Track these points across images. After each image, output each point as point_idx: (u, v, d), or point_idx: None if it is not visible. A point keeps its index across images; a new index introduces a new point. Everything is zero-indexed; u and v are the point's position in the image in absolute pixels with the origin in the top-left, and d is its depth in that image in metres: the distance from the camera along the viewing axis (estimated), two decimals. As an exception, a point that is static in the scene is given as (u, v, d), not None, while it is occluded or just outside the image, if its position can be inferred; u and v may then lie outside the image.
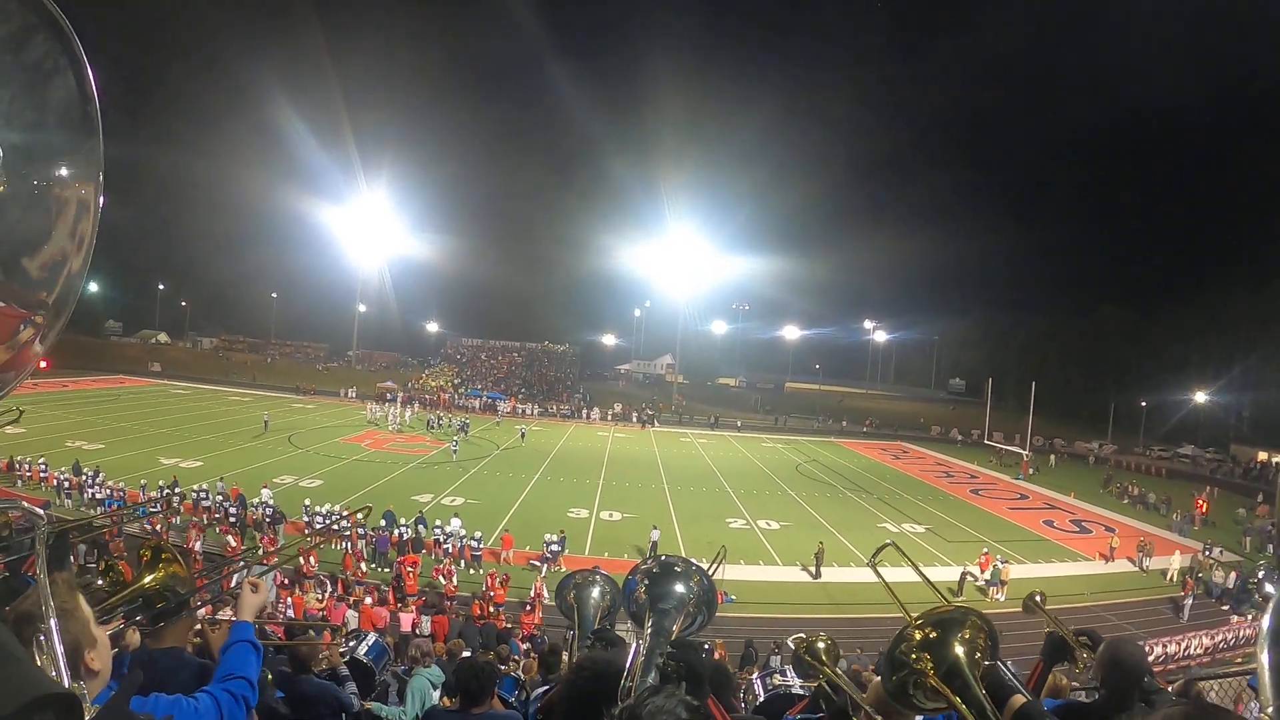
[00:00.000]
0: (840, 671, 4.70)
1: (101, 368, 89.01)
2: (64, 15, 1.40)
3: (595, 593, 4.90)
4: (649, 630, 3.64)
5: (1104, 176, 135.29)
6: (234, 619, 3.68)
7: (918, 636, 3.07)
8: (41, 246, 1.46)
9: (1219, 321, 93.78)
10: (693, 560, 4.18)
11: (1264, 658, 1.42)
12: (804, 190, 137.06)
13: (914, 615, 3.15)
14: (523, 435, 68.26)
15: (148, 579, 3.98)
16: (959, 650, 2.97)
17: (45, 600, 1.94)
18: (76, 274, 1.52)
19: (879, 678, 3.63)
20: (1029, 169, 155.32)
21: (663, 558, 4.19)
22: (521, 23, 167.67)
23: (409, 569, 28.62)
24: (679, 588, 3.92)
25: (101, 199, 1.52)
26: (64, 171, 1.47)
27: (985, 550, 34.67)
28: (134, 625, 4.02)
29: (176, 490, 35.36)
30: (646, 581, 4.02)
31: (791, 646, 5.34)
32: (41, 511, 2.35)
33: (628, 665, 3.10)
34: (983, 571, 32.82)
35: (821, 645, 4.96)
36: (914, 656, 3.04)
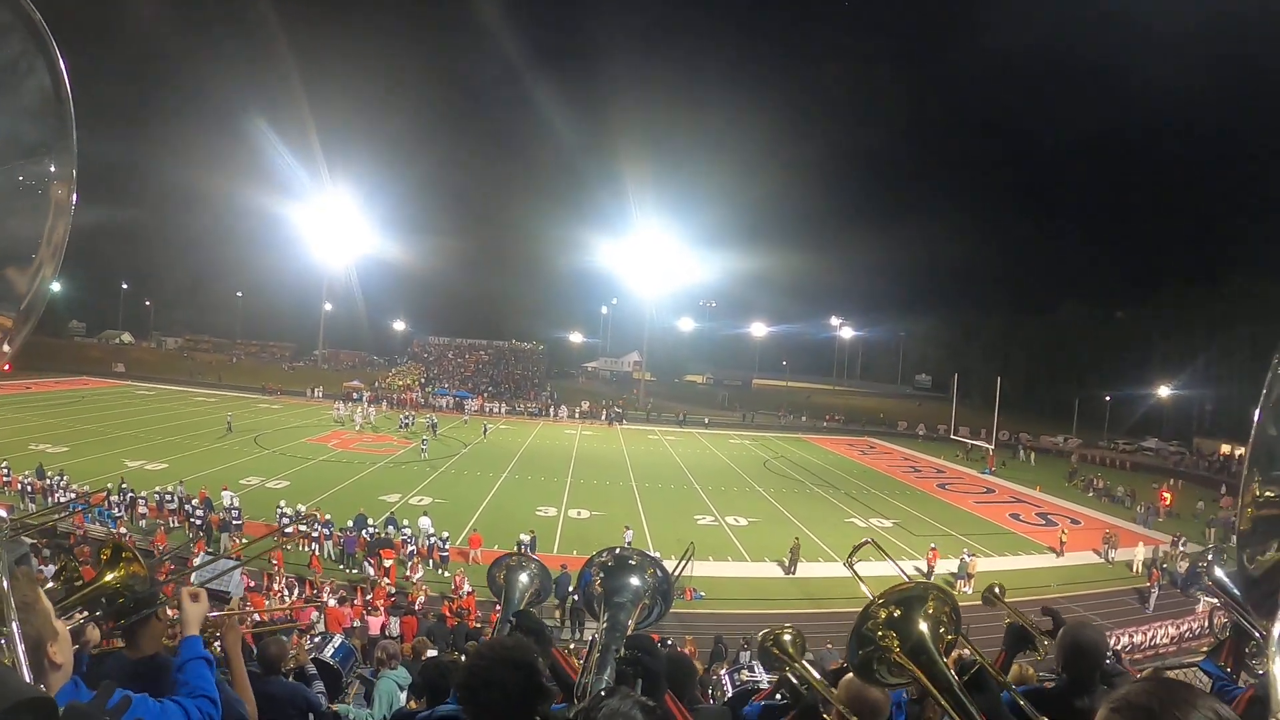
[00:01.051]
0: (808, 664, 4.70)
1: (64, 369, 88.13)
2: (39, 15, 1.37)
3: (524, 577, 4.91)
4: (604, 625, 3.63)
5: (1066, 177, 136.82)
6: (181, 636, 3.56)
7: (882, 614, 3.08)
8: (15, 249, 1.43)
9: (1181, 317, 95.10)
10: (648, 553, 4.18)
11: (1274, 669, 1.43)
12: (771, 188, 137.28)
13: (878, 593, 3.16)
14: (485, 431, 68.41)
15: (109, 577, 3.95)
16: (923, 626, 2.98)
17: (6, 602, 1.90)
18: (49, 278, 1.49)
19: (850, 674, 3.64)
20: (993, 170, 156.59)
21: (617, 550, 4.18)
22: (486, 21, 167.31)
23: (384, 565, 28.73)
24: (634, 580, 3.91)
25: (74, 199, 1.49)
26: (38, 171, 1.45)
27: (933, 545, 34.79)
28: (94, 622, 3.99)
29: (123, 488, 35.03)
30: (601, 574, 4.02)
31: (758, 640, 5.34)
32: (3, 514, 2.33)
33: (584, 660, 3.09)
34: (930, 565, 33.06)
35: (788, 637, 4.96)
36: (880, 633, 3.06)
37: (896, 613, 3.07)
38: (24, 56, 1.38)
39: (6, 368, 70.58)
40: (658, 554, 25.42)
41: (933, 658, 2.90)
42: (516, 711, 2.90)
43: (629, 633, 3.56)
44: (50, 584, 4.09)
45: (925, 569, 32.86)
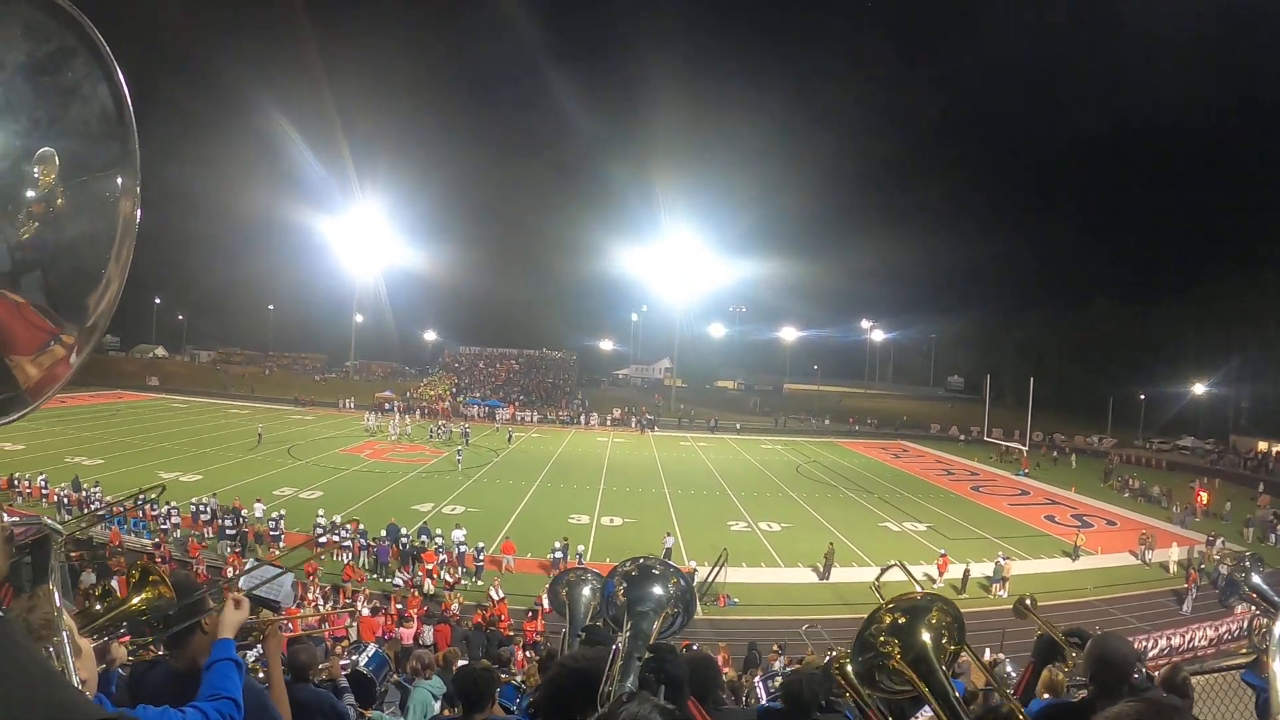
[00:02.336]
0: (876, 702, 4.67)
1: (99, 383, 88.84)
2: (101, 38, 1.41)
3: (586, 591, 4.94)
4: (627, 634, 3.66)
5: (1098, 173, 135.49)
6: (215, 637, 3.59)
7: (887, 620, 3.11)
8: (82, 267, 1.47)
9: (1215, 313, 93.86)
10: (670, 562, 4.20)
11: (1275, 666, 1.43)
12: (800, 192, 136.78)
13: (887, 599, 3.19)
14: (510, 439, 68.90)
15: (135, 600, 3.97)
16: (925, 636, 3.01)
17: (59, 615, 1.95)
18: (115, 295, 1.53)
19: None
20: (1022, 168, 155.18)
21: (640, 560, 4.21)
22: (516, 29, 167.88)
23: (425, 567, 28.99)
24: (657, 590, 3.94)
25: (139, 214, 1.53)
26: (104, 190, 1.48)
27: (944, 552, 34.44)
28: (117, 639, 4.03)
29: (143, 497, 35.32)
30: (625, 584, 4.04)
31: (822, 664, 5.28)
32: (59, 527, 2.36)
33: (606, 669, 3.12)
34: (941, 574, 32.60)
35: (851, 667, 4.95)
36: (883, 640, 3.08)
37: (901, 620, 3.10)
38: (87, 80, 1.42)
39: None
40: (692, 562, 25.50)
41: (932, 667, 2.94)
42: None
43: (651, 641, 3.59)
44: (96, 606, 4.13)
45: (935, 575, 32.60)
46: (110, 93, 1.45)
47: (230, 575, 21.90)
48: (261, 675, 6.92)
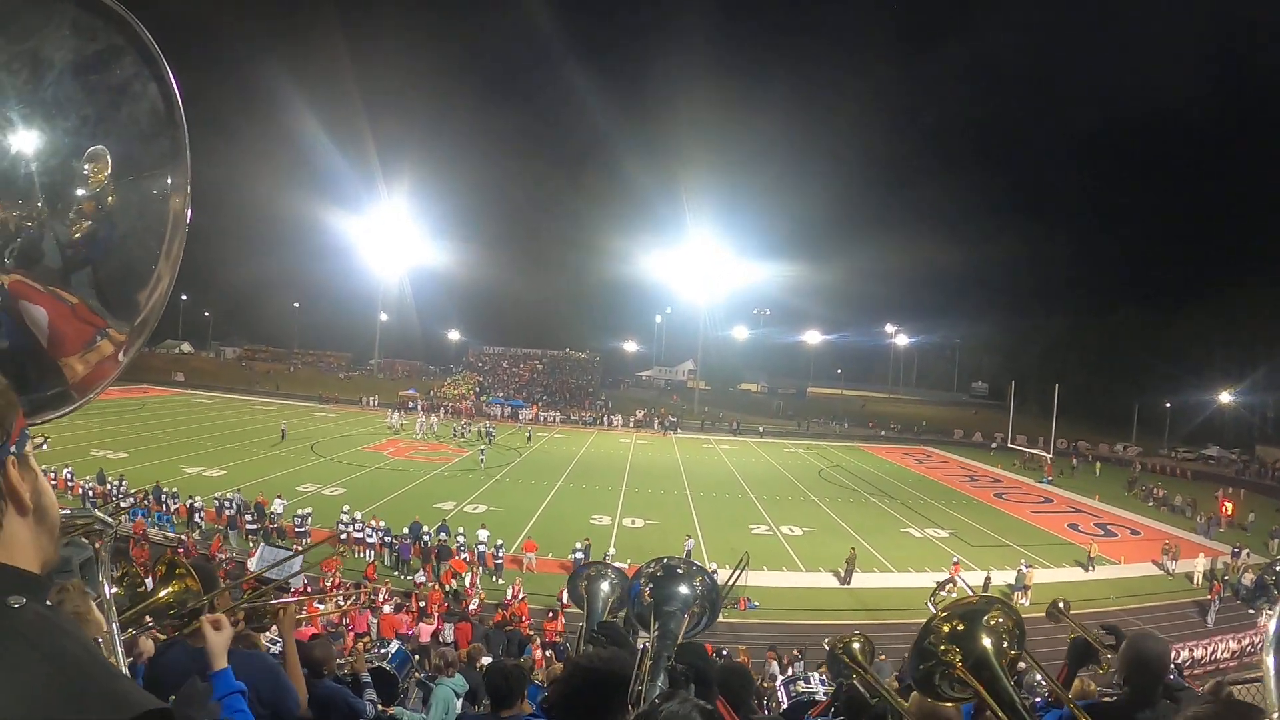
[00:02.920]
0: (877, 675, 4.68)
1: (126, 377, 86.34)
2: (150, 36, 1.43)
3: (605, 586, 4.95)
4: (655, 633, 3.67)
5: (1124, 177, 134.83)
6: (211, 671, 3.49)
7: (945, 628, 3.08)
8: (134, 266, 1.49)
9: (1242, 322, 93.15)
10: (694, 561, 4.22)
11: (1269, 660, 1.44)
12: (824, 194, 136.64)
13: (941, 607, 3.17)
14: (529, 438, 69.52)
15: (162, 593, 4.01)
16: (986, 642, 2.98)
17: (108, 606, 1.97)
18: (165, 293, 1.55)
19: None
20: (1049, 171, 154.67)
21: (665, 560, 4.22)
22: (541, 31, 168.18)
23: (447, 569, 29.11)
24: (683, 589, 3.96)
25: (189, 213, 1.55)
26: (156, 188, 1.50)
27: (955, 560, 34.18)
28: (146, 633, 4.06)
29: (170, 492, 35.52)
30: (651, 584, 4.06)
31: (826, 648, 5.32)
32: (110, 520, 2.38)
33: (635, 668, 3.13)
34: (951, 583, 32.08)
35: (857, 645, 4.93)
36: (942, 648, 3.05)
37: (959, 627, 3.07)
38: (136, 78, 1.44)
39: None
40: (713, 565, 25.44)
41: (995, 674, 2.90)
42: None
43: (679, 640, 3.60)
44: (113, 589, 4.16)
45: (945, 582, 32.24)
46: (160, 92, 1.47)
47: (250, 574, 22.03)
48: (275, 652, 6.98)
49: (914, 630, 3.15)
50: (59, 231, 1.37)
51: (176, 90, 1.49)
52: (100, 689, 1.08)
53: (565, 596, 26.54)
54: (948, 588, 31.07)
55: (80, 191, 1.39)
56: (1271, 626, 1.47)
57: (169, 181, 1.52)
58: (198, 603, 4.05)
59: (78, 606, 2.35)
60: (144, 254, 1.50)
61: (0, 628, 1.10)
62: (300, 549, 20.95)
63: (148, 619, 4.18)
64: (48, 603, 1.22)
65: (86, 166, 1.40)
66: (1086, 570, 36.21)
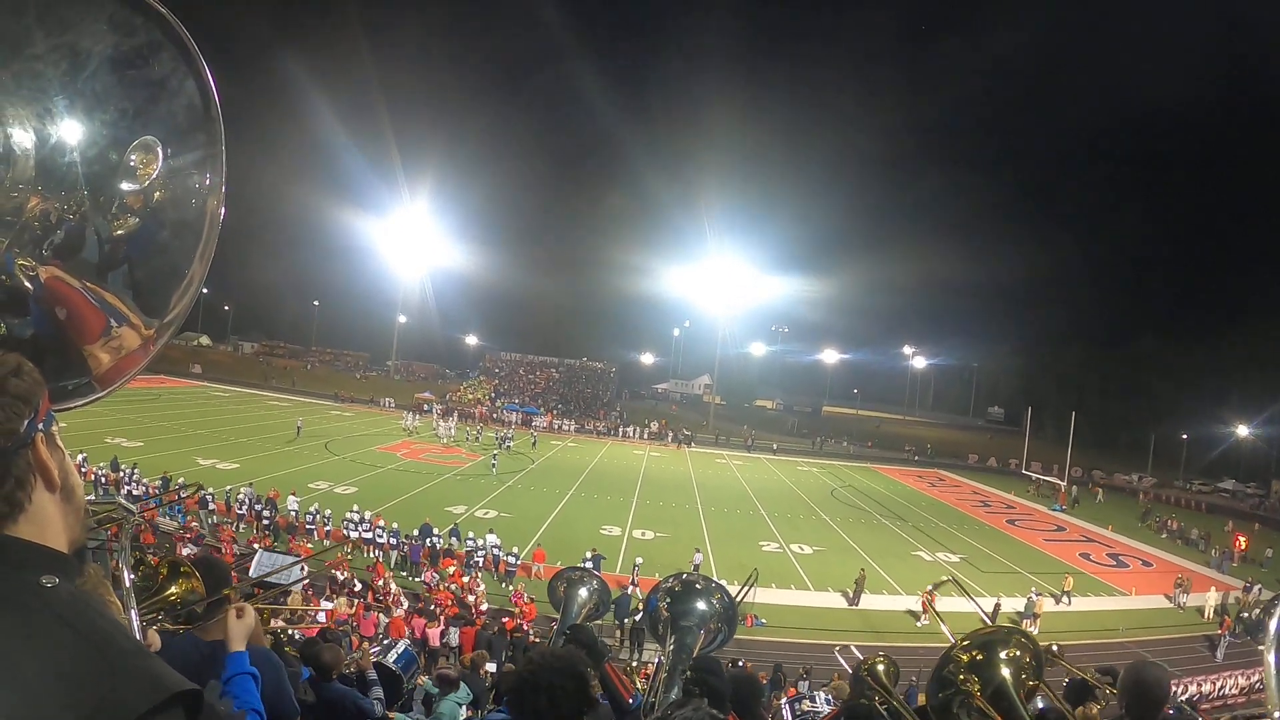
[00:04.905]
0: (902, 699, 4.66)
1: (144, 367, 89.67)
2: (187, 32, 1.45)
3: (583, 592, 4.96)
4: (671, 648, 3.67)
5: (1147, 205, 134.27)
6: (228, 651, 3.51)
7: (964, 658, 3.08)
8: (167, 262, 1.50)
9: (1262, 354, 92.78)
10: (714, 579, 4.21)
11: (1270, 658, 1.44)
12: (844, 212, 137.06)
13: (961, 636, 3.16)
14: (534, 443, 70.02)
15: (170, 590, 4.03)
16: (1005, 672, 2.97)
17: (128, 592, 1.99)
18: (197, 290, 1.56)
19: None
20: (1074, 198, 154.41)
21: (684, 575, 4.22)
22: (567, 42, 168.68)
23: (446, 572, 29.08)
24: (700, 605, 3.96)
25: (223, 212, 1.56)
26: (195, 185, 1.52)
27: (930, 588, 33.36)
28: (155, 627, 4.07)
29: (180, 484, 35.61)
30: (669, 599, 4.06)
31: (841, 661, 5.30)
32: (133, 507, 2.40)
33: (650, 681, 3.15)
34: (924, 612, 31.25)
35: (881, 667, 4.91)
36: (961, 677, 3.05)
37: (978, 656, 3.06)
38: (174, 74, 1.45)
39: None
40: (722, 581, 25.35)
41: (1013, 703, 2.89)
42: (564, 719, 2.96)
43: (694, 655, 3.60)
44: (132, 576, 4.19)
45: (918, 610, 31.75)
46: (198, 88, 1.49)
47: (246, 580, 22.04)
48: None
49: (921, 653, 3.15)
50: (100, 226, 1.38)
51: (214, 87, 1.51)
52: (135, 667, 1.11)
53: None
54: (922, 618, 30.89)
55: (126, 185, 1.41)
56: (1272, 625, 1.47)
57: (208, 179, 1.53)
58: (201, 603, 4.08)
59: (98, 590, 2.39)
60: (182, 254, 1.52)
61: (35, 606, 1.14)
62: (297, 556, 20.97)
63: (160, 615, 4.20)
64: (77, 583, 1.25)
65: (134, 158, 1.41)
66: (1057, 603, 34.71)
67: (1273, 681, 1.35)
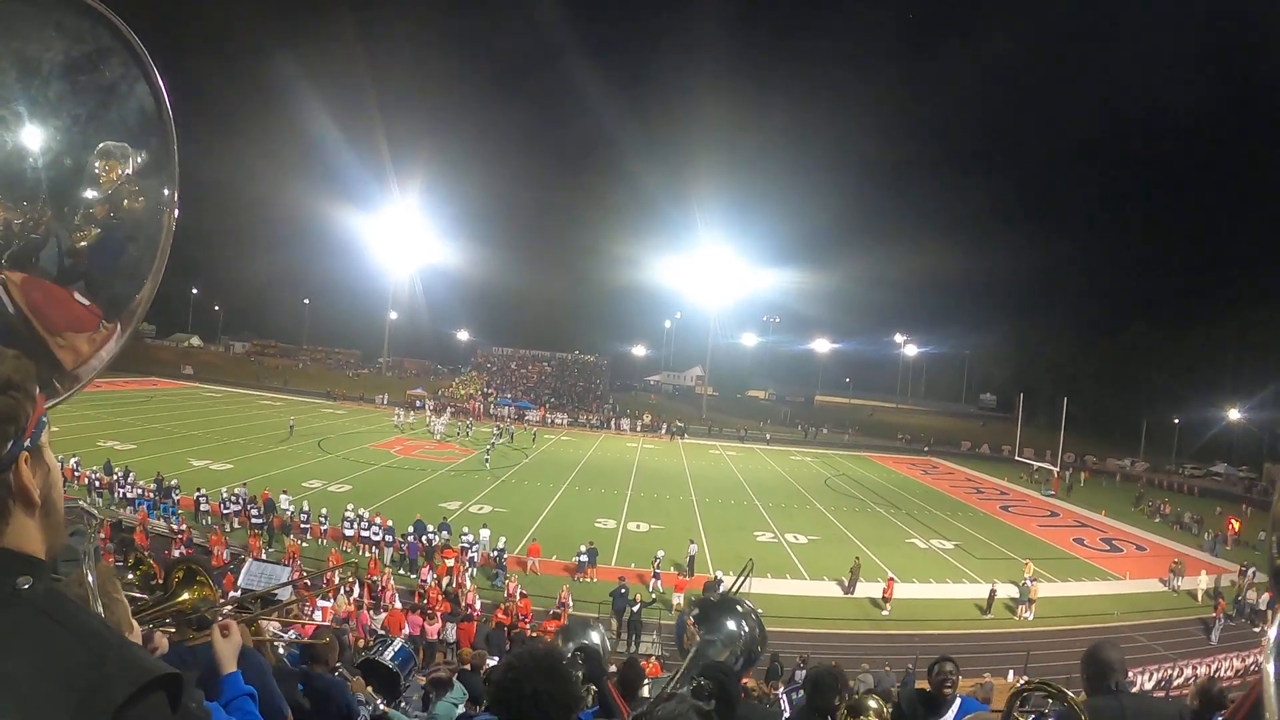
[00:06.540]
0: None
1: (134, 369, 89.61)
2: (137, 38, 1.43)
3: (730, 625, 4.60)
4: (691, 652, 3.67)
5: (1138, 192, 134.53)
6: (220, 674, 3.36)
7: None
8: (135, 270, 1.49)
9: (1253, 339, 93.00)
10: (752, 606, 4.19)
11: (1269, 667, 1.43)
12: (834, 202, 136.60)
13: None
14: (510, 437, 69.89)
15: (184, 596, 4.01)
16: None
17: (92, 594, 1.99)
18: (153, 292, 1.55)
19: None
20: (1062, 183, 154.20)
21: (721, 589, 4.23)
22: (556, 35, 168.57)
23: (446, 566, 29.10)
24: (730, 624, 3.94)
25: (176, 216, 1.55)
26: (149, 187, 1.50)
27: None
28: (164, 630, 4.05)
29: (170, 485, 35.57)
30: (698, 610, 4.05)
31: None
32: (95, 511, 2.41)
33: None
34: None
35: (873, 704, 4.92)
36: None
37: None
38: (124, 79, 1.44)
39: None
40: (718, 571, 25.33)
41: None
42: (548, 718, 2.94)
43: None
44: (129, 575, 4.18)
45: (881, 598, 31.38)
46: (149, 91, 1.47)
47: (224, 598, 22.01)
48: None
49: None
50: (62, 236, 1.37)
51: (164, 91, 1.50)
52: (119, 655, 1.15)
53: (572, 605, 26.74)
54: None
55: (90, 194, 1.40)
56: (1272, 634, 1.47)
57: (162, 181, 1.52)
58: (208, 611, 4.06)
59: (107, 589, 2.41)
60: (143, 260, 1.50)
61: (14, 604, 1.18)
62: (287, 566, 20.95)
63: (168, 620, 4.19)
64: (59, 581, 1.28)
65: (98, 164, 1.40)
66: (1020, 597, 32.55)
67: (1272, 690, 1.35)
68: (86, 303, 1.45)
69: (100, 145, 1.40)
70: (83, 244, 1.39)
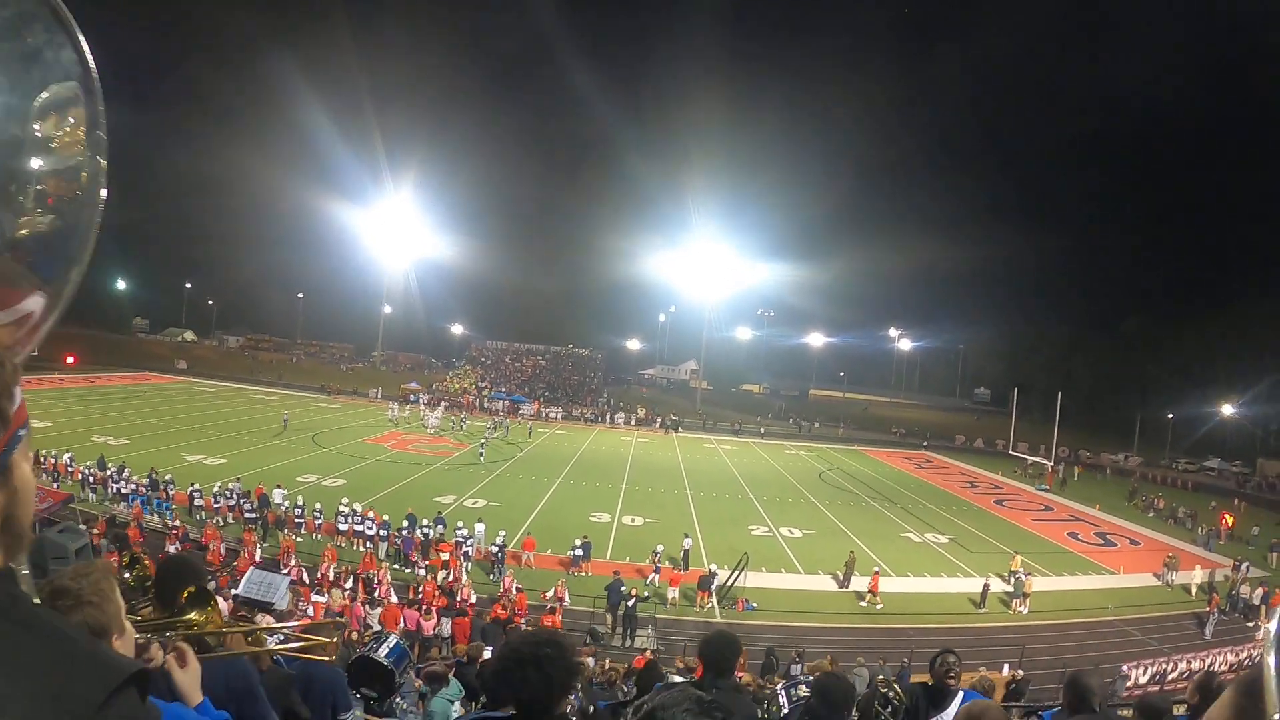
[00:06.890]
0: None
1: (128, 364, 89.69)
2: (63, 4, 1.37)
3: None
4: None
5: (1132, 186, 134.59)
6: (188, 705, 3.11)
7: None
8: (76, 249, 1.42)
9: (1247, 334, 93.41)
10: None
11: (1270, 660, 1.39)
12: (829, 196, 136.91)
13: None
14: (505, 430, 70.00)
15: (191, 615, 3.93)
16: None
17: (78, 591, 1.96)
18: (83, 269, 1.49)
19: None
20: (1056, 179, 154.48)
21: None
22: (549, 29, 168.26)
23: (442, 560, 29.11)
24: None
25: (104, 193, 1.48)
26: (63, 163, 1.44)
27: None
28: (156, 640, 3.97)
29: (166, 480, 35.54)
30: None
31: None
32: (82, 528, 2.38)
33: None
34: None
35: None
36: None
37: None
38: (49, 45, 1.38)
39: (70, 360, 72.04)
40: (713, 565, 25.14)
41: None
42: (543, 703, 2.93)
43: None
44: (124, 575, 4.12)
45: (868, 591, 31.31)
46: (76, 58, 1.41)
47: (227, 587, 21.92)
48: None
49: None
50: (5, 223, 1.31)
51: (90, 57, 1.43)
52: (86, 654, 1.13)
53: (568, 600, 26.76)
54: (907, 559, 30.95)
55: (36, 163, 1.34)
56: (1273, 626, 1.42)
57: (93, 151, 1.46)
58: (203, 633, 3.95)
59: (101, 587, 2.41)
60: (77, 231, 1.44)
61: None
62: (287, 574, 20.85)
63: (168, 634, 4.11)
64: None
65: (37, 126, 1.34)
66: (1012, 591, 32.66)
67: (1272, 684, 1.30)
68: (18, 288, 1.38)
69: (42, 96, 1.34)
70: (24, 233, 1.33)
